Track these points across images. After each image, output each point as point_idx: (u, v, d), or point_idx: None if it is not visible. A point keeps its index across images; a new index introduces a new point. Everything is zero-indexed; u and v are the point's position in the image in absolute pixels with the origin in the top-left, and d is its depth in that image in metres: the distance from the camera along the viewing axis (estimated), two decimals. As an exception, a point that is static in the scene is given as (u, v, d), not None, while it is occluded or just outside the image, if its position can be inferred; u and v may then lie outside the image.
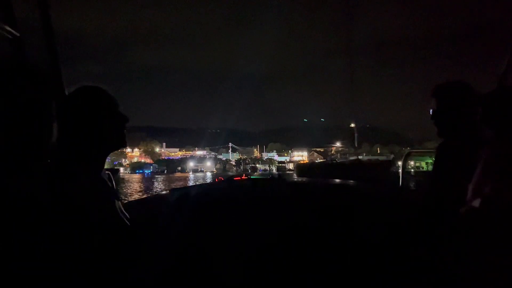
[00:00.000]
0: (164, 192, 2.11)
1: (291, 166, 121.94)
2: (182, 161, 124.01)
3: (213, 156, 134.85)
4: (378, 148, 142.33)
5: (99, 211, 1.09)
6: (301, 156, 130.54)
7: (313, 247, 1.47)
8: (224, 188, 1.99)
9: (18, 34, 1.62)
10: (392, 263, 1.35)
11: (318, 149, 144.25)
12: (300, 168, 18.25)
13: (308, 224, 1.54)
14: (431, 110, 1.67)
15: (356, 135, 47.16)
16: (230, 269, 1.41)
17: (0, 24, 1.56)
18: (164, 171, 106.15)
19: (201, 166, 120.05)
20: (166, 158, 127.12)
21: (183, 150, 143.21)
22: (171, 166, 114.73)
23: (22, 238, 0.72)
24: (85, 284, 0.93)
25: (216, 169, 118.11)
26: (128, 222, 1.25)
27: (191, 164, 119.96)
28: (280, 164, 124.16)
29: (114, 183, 1.32)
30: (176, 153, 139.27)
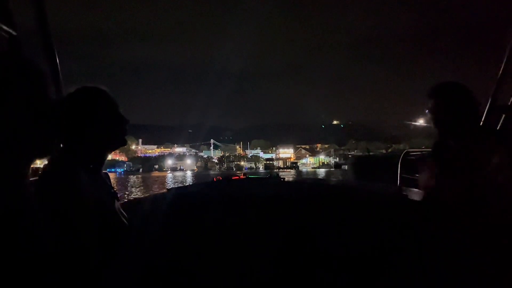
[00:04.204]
0: (162, 191, 2.05)
1: (280, 163, 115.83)
2: (160, 158, 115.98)
3: (194, 153, 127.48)
4: (368, 145, 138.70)
5: (99, 210, 1.11)
6: (287, 153, 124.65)
7: (310, 249, 1.48)
8: (222, 188, 1.98)
9: (15, 33, 1.66)
10: (390, 263, 1.37)
11: (304, 146, 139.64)
12: (361, 164, 7.08)
13: (306, 224, 1.55)
14: (427, 111, 1.69)
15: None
16: (228, 270, 1.42)
17: None
18: (139, 170, 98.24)
19: (180, 164, 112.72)
20: (142, 155, 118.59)
21: (161, 147, 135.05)
22: (147, 164, 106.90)
23: (23, 237, 0.72)
24: (81, 282, 0.94)
25: (197, 167, 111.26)
26: (126, 222, 1.28)
27: (169, 162, 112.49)
28: (267, 162, 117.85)
29: (111, 182, 1.35)
30: (153, 150, 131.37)
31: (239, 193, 1.85)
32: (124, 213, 1.31)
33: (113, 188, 1.34)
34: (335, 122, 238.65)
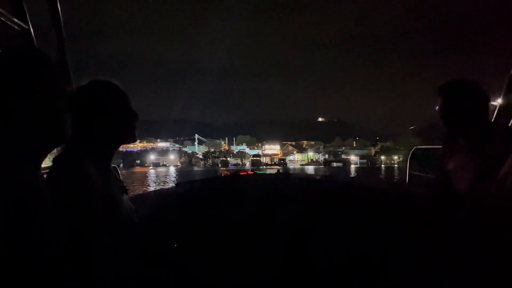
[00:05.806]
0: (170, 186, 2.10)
1: (267, 159, 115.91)
2: (142, 153, 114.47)
3: (177, 148, 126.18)
4: (355, 142, 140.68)
5: (107, 204, 1.13)
6: (273, 149, 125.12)
7: (315, 247, 1.50)
8: (230, 183, 2.01)
9: (27, 27, 1.72)
10: (396, 262, 1.39)
11: (290, 143, 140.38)
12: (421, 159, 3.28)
13: (313, 224, 1.57)
14: (437, 108, 1.70)
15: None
16: (236, 267, 1.45)
17: (9, 17, 1.64)
18: (119, 165, 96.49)
19: (163, 160, 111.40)
20: (124, 150, 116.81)
21: (144, 141, 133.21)
22: (129, 159, 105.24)
23: (31, 229, 0.73)
24: (87, 277, 0.95)
25: (181, 163, 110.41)
26: (134, 216, 1.31)
27: (151, 157, 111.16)
28: (254, 158, 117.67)
29: (120, 177, 1.38)
30: (135, 145, 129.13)
31: (248, 188, 1.87)
32: (133, 206, 1.34)
33: (122, 181, 1.36)
34: (320, 119, 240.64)
